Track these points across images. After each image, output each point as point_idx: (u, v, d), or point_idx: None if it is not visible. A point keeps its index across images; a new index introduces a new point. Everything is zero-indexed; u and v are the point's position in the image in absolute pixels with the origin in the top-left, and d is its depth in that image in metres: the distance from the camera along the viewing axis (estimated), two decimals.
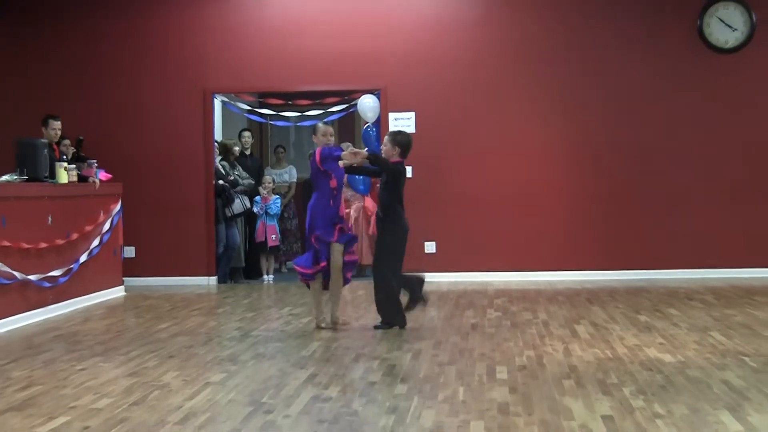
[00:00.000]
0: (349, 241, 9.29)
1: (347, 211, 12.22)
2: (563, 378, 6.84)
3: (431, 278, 12.64)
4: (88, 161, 11.53)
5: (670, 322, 9.22)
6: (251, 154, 14.17)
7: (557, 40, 12.91)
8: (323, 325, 9.14)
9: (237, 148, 13.70)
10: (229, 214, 13.12)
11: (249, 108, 14.78)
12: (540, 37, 12.93)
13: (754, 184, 12.79)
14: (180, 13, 13.18)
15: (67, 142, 11.79)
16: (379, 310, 9.23)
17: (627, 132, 12.87)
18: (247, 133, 14.12)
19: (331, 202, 9.07)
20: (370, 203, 13.51)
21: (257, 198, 13.24)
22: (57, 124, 11.23)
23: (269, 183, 13.34)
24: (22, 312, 9.62)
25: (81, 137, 12.07)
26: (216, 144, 13.51)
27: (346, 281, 9.36)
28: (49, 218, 10.24)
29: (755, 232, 12.75)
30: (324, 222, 9.03)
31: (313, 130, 9.56)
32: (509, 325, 9.22)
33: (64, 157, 11.28)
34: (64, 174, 10.67)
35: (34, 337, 8.91)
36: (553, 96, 12.94)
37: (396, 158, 9.17)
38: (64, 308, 10.45)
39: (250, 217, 13.43)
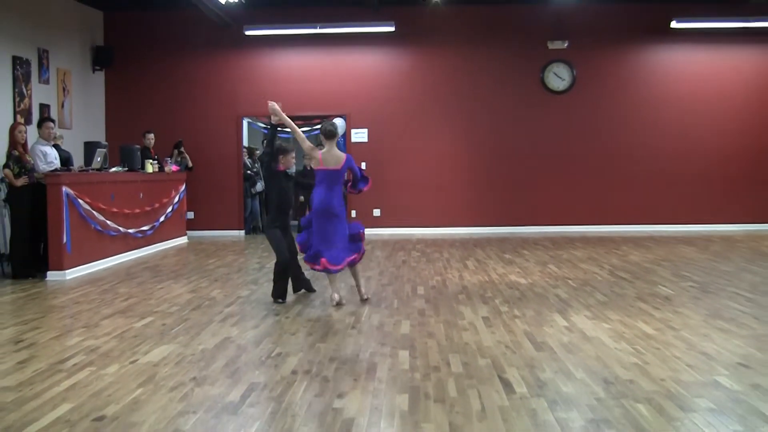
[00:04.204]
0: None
1: None
2: (458, 293, 6.88)
3: (378, 232, 12.77)
4: (165, 158, 11.40)
5: (523, 258, 9.30)
6: None
7: (459, 85, 12.77)
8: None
9: (258, 151, 13.53)
10: (253, 192, 13.03)
11: (265, 125, 14.58)
12: (448, 82, 12.79)
13: (575, 171, 12.79)
14: (223, 65, 12.88)
15: (177, 150, 11.80)
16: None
17: (501, 141, 12.80)
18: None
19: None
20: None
21: None
22: (151, 136, 11.44)
23: None
24: (124, 252, 9.49)
25: (181, 140, 11.99)
26: (245, 148, 13.32)
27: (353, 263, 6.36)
28: (141, 194, 10.05)
29: (575, 201, 12.82)
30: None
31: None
32: (425, 261, 9.24)
33: (156, 157, 11.16)
34: (150, 166, 10.53)
35: (131, 268, 8.79)
36: (456, 118, 12.83)
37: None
38: (150, 250, 10.29)
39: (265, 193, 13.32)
